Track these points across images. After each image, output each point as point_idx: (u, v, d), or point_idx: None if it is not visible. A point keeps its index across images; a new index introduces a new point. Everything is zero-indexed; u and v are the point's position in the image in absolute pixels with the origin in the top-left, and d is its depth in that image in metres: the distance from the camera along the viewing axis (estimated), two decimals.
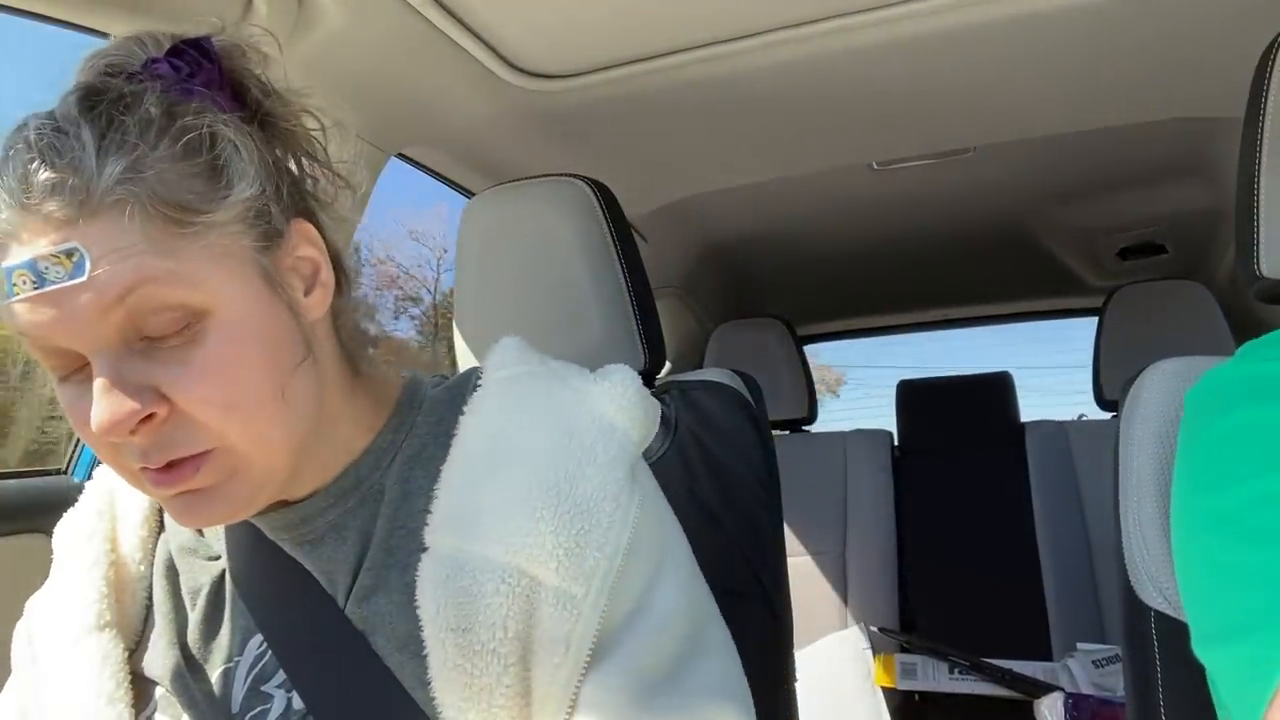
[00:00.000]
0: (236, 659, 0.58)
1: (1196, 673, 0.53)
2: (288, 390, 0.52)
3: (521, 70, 1.17)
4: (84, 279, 0.45)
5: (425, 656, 0.52)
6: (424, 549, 0.55)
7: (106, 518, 0.65)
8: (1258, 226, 0.66)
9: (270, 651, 0.57)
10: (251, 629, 0.59)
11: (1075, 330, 2.54)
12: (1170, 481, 0.59)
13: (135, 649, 0.62)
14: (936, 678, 1.77)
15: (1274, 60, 0.66)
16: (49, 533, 0.67)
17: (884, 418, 2.41)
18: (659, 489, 0.61)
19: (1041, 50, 1.17)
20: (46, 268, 0.45)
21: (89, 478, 0.69)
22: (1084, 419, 2.11)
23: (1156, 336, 1.70)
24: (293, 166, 0.58)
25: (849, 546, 2.02)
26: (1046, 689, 1.60)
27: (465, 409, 0.61)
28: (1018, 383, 2.26)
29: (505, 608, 0.51)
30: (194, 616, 0.61)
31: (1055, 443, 1.99)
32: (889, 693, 1.72)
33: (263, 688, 0.56)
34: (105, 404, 0.46)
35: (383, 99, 1.12)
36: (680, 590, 0.56)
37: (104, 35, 0.85)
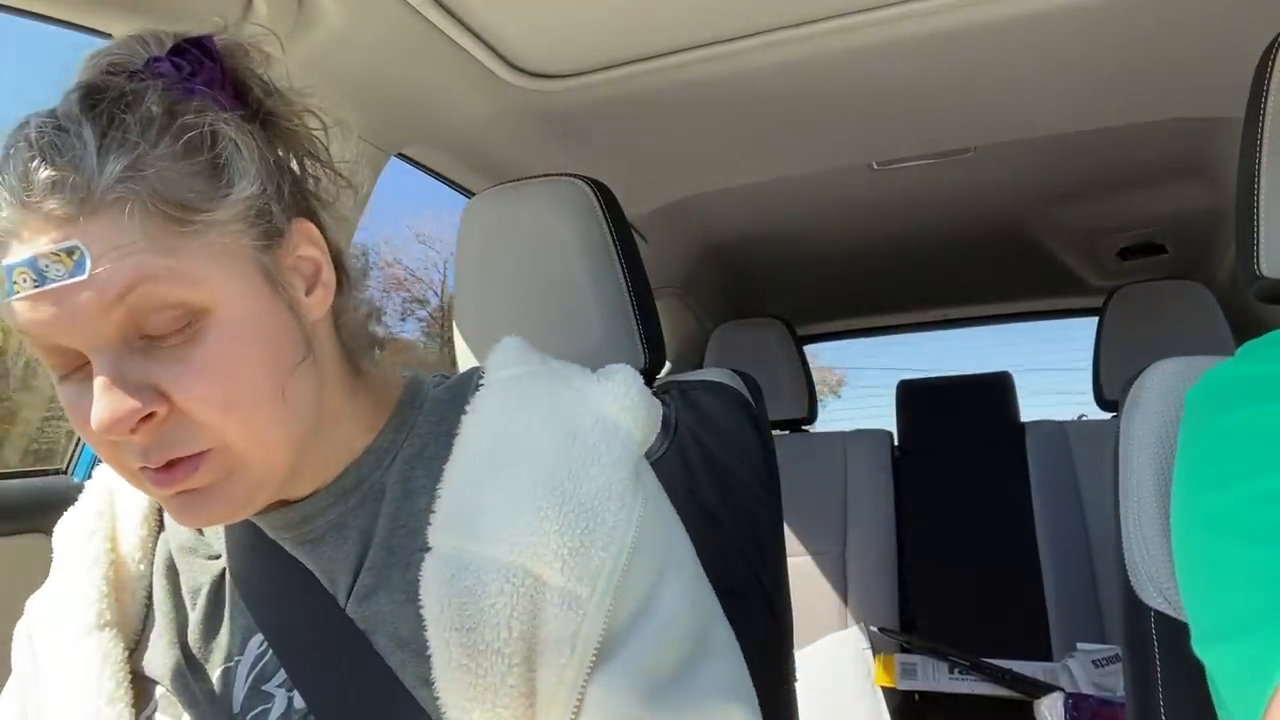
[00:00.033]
0: (237, 658, 0.58)
1: (1196, 673, 0.53)
2: (288, 389, 0.52)
3: (521, 70, 1.17)
4: (84, 277, 0.45)
5: (428, 656, 0.52)
6: (426, 548, 0.55)
7: (106, 517, 0.65)
8: (1258, 226, 0.66)
9: (271, 650, 0.57)
10: (252, 628, 0.59)
11: (1075, 330, 2.54)
12: (1170, 481, 0.59)
13: (135, 648, 0.62)
14: (936, 678, 1.77)
15: (1274, 60, 0.66)
16: (49, 532, 0.67)
17: (884, 418, 2.41)
18: (662, 489, 0.61)
19: (1042, 50, 1.17)
20: (47, 266, 0.45)
21: (89, 477, 0.69)
22: (1084, 419, 2.11)
23: (1156, 336, 1.70)
24: (294, 166, 0.58)
25: (849, 546, 2.02)
26: (1046, 689, 1.60)
27: (468, 408, 0.61)
28: (1018, 383, 2.27)
29: (510, 607, 0.51)
30: (194, 616, 0.61)
31: (1055, 443, 1.99)
32: (889, 693, 1.72)
33: (264, 687, 0.56)
34: (105, 402, 0.46)
35: (383, 99, 1.12)
36: (685, 591, 0.56)
37: (105, 35, 0.85)
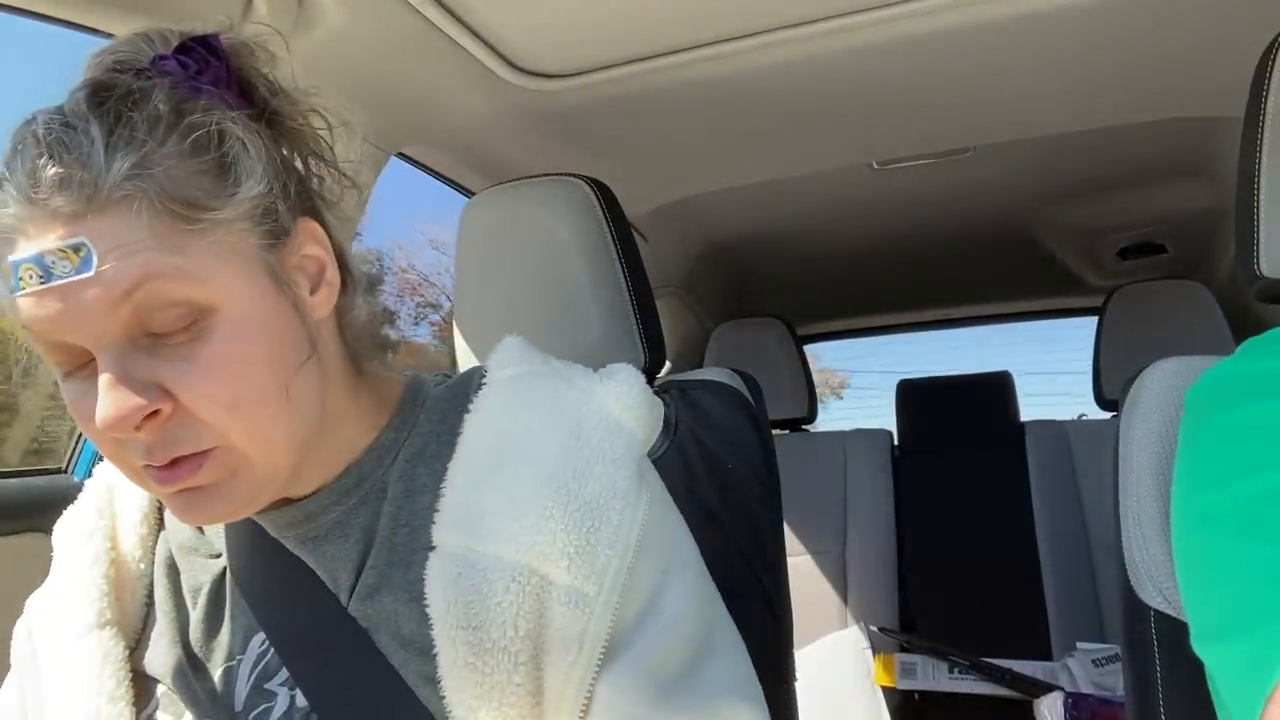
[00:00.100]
0: (239, 657, 0.58)
1: (1196, 672, 0.53)
2: (291, 389, 0.52)
3: (521, 69, 1.17)
4: (91, 274, 0.45)
5: (432, 654, 0.52)
6: (430, 547, 0.55)
7: (106, 515, 0.65)
8: (1258, 226, 0.66)
9: (273, 649, 0.57)
10: (253, 627, 0.59)
11: (1075, 330, 2.54)
12: (1170, 481, 0.59)
13: (136, 647, 0.62)
14: (936, 677, 1.77)
15: (1274, 60, 0.66)
16: (49, 531, 0.67)
17: (885, 419, 2.41)
18: (665, 489, 0.62)
19: (1041, 50, 1.17)
20: (54, 262, 0.45)
21: (89, 476, 0.69)
22: (1084, 419, 2.11)
23: (1156, 336, 1.70)
24: (299, 165, 0.58)
25: (849, 546, 2.02)
26: (1046, 688, 1.60)
27: (470, 407, 0.61)
28: (1017, 383, 2.27)
29: (516, 606, 0.51)
30: (195, 614, 0.61)
31: (1055, 442, 1.99)
32: (889, 692, 1.72)
33: (266, 685, 0.56)
34: (110, 399, 0.46)
35: (383, 98, 1.12)
36: (690, 590, 0.56)
37: (107, 35, 0.85)
